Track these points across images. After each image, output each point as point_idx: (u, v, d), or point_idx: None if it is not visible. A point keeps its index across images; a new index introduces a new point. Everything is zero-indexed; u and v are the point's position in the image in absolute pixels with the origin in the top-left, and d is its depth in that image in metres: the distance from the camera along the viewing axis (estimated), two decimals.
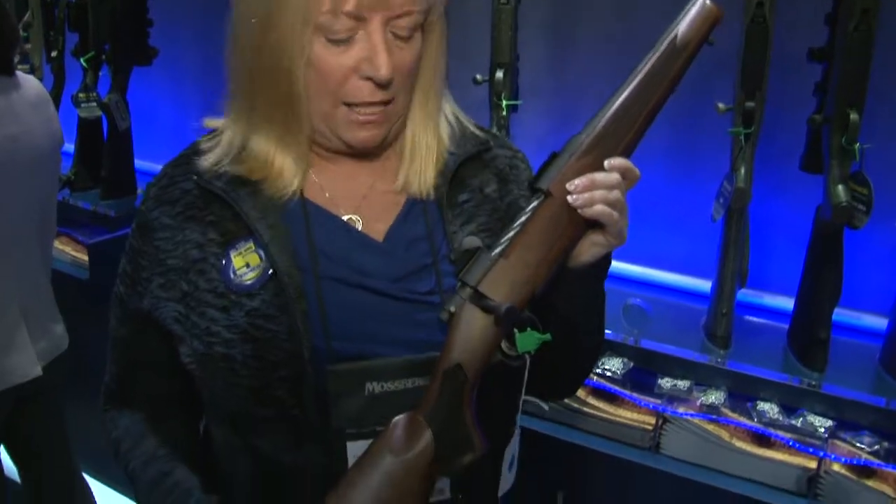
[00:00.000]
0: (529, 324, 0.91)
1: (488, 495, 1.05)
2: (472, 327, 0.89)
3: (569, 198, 0.87)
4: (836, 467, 1.45)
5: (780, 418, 1.52)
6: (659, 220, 1.97)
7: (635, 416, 1.60)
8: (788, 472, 1.48)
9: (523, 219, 0.89)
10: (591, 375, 1.66)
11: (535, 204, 0.89)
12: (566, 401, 1.64)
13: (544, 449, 1.63)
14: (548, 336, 0.90)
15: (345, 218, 0.98)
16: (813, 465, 1.47)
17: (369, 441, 0.90)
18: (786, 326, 1.74)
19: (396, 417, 0.89)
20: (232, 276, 0.92)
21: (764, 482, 1.50)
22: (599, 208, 0.87)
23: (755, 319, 1.82)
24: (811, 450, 1.47)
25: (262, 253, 0.93)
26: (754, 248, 1.76)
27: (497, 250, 0.89)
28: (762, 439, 1.53)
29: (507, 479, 1.06)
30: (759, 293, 1.86)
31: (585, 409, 1.63)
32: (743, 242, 1.69)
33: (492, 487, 1.05)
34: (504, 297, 0.88)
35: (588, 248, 0.93)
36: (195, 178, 0.96)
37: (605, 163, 0.88)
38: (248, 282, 0.92)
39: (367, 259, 0.96)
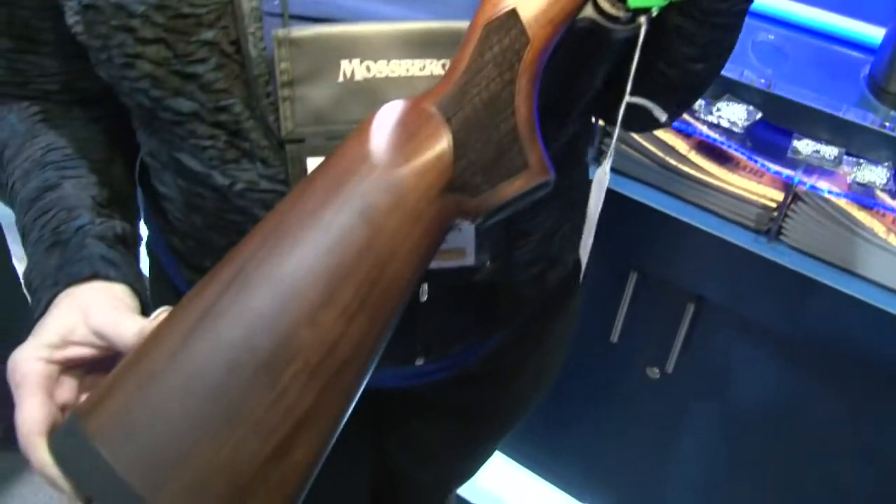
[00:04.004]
0: None
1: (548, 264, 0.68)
2: None
3: None
4: None
5: None
6: None
7: (754, 186, 1.17)
8: None
9: None
10: (700, 124, 1.21)
11: None
12: (660, 154, 1.20)
13: (620, 216, 1.22)
14: None
15: None
16: None
17: None
18: None
19: (387, 104, 0.52)
20: None
21: None
22: None
23: None
24: None
25: None
26: None
27: None
28: None
29: (585, 245, 0.65)
30: None
31: (685, 167, 1.19)
32: None
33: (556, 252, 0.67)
34: None
35: None
36: None
37: None
38: None
39: None
